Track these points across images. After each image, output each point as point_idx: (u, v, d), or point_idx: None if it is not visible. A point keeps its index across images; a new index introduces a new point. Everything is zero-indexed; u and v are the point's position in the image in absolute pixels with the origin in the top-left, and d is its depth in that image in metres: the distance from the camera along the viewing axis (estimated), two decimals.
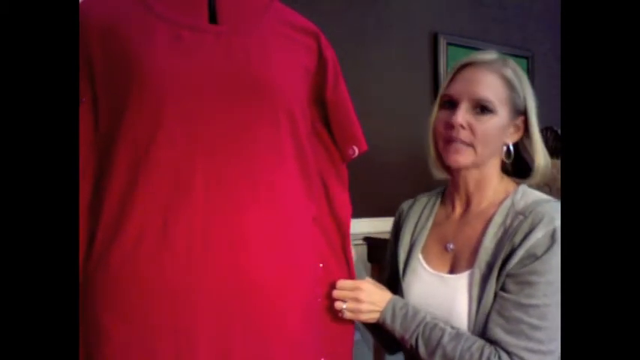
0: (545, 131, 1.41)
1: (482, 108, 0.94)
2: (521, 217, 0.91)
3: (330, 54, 0.92)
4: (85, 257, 0.76)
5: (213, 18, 0.81)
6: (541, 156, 0.99)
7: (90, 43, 0.76)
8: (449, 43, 2.22)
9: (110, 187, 0.75)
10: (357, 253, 1.20)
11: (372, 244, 1.75)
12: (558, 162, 1.33)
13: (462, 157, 0.95)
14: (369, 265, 1.74)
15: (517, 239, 0.89)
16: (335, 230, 0.95)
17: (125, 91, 0.74)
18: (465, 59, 0.99)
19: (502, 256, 0.89)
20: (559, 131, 1.37)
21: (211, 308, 0.73)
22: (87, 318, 0.73)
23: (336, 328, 0.94)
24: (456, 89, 0.96)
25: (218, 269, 0.74)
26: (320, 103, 0.92)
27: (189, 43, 0.77)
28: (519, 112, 0.98)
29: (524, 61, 2.49)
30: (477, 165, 0.97)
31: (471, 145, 0.95)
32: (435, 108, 1.01)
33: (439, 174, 1.06)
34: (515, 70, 0.99)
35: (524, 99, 0.98)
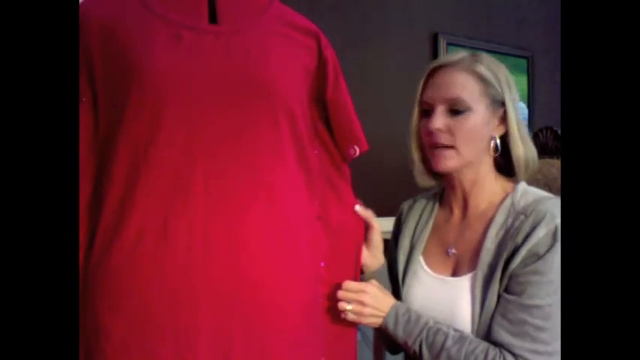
0: (545, 131, 1.40)
1: (456, 110, 0.93)
2: (522, 216, 0.90)
3: (330, 54, 0.92)
4: (85, 257, 0.76)
5: (213, 18, 0.81)
6: (520, 149, 0.97)
7: (90, 43, 0.76)
8: (449, 43, 2.22)
9: (110, 187, 0.75)
10: None
11: None
12: (558, 162, 1.32)
13: (448, 161, 0.95)
14: None
15: (519, 239, 0.88)
16: (340, 229, 0.94)
17: (125, 91, 0.74)
18: (433, 63, 0.99)
19: (504, 256, 0.89)
20: (559, 131, 1.36)
21: (211, 308, 0.73)
22: (87, 318, 0.73)
23: (337, 328, 0.94)
24: (429, 95, 0.97)
25: (218, 269, 0.74)
26: (320, 103, 0.92)
27: (189, 44, 0.77)
28: (501, 104, 0.96)
29: (524, 61, 2.49)
30: (465, 165, 0.96)
31: (452, 147, 0.94)
32: (415, 116, 1.01)
33: (425, 182, 1.05)
34: (488, 64, 0.97)
35: (502, 91, 0.96)
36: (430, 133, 0.95)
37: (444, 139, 0.94)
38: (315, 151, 0.91)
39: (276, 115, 0.80)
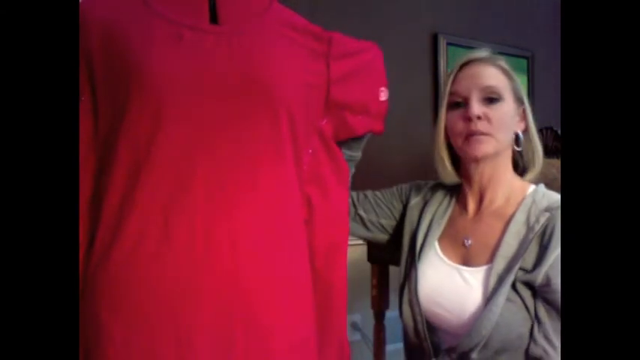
0: (545, 131, 1.41)
1: (490, 98, 0.98)
2: (547, 214, 0.93)
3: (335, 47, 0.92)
4: (85, 257, 0.76)
5: (214, 18, 0.81)
6: (539, 148, 1.03)
7: (90, 42, 0.76)
8: (449, 43, 2.21)
9: (111, 186, 0.75)
10: (357, 253, 1.20)
11: (373, 244, 1.74)
12: (558, 162, 1.32)
13: (484, 146, 0.97)
14: (369, 265, 1.74)
15: (545, 241, 0.90)
16: (325, 229, 0.92)
17: (125, 91, 0.74)
18: (463, 59, 1.04)
19: (524, 252, 0.91)
20: (559, 131, 1.37)
21: (212, 308, 0.73)
22: (87, 318, 0.73)
23: (328, 322, 0.92)
24: (463, 86, 1.00)
25: (219, 269, 0.74)
26: (326, 100, 0.91)
27: (189, 44, 0.77)
28: (520, 101, 1.03)
29: (524, 61, 2.48)
30: (498, 153, 0.99)
31: (489, 134, 0.97)
32: (443, 111, 1.03)
33: (451, 178, 1.06)
34: (506, 63, 1.03)
35: (520, 88, 1.03)
36: (468, 120, 0.97)
37: (480, 126, 0.97)
38: (310, 150, 0.90)
39: (276, 115, 0.80)
